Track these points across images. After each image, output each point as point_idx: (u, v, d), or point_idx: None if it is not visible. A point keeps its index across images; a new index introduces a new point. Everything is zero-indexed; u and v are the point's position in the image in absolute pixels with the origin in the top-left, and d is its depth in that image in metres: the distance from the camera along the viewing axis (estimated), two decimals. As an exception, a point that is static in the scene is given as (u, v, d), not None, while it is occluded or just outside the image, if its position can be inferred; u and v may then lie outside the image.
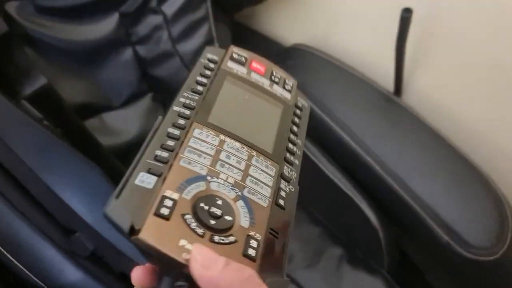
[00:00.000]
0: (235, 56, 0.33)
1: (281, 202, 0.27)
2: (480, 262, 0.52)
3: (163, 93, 0.66)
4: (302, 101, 0.34)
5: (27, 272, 0.43)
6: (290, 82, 0.34)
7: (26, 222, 0.42)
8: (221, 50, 0.34)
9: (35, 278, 0.43)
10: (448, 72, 0.62)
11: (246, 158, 0.27)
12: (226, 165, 0.27)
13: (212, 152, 0.27)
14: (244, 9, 0.75)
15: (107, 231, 0.42)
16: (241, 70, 0.33)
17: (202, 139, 0.27)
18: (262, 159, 0.28)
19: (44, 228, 0.43)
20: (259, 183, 0.27)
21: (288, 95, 0.33)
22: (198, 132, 0.28)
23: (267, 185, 0.27)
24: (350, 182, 0.58)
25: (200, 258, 0.21)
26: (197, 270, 0.21)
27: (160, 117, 0.28)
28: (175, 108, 0.29)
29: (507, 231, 0.53)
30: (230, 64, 0.33)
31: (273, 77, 0.33)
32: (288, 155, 0.30)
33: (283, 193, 0.27)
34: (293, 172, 0.29)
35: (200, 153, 0.26)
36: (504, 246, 0.52)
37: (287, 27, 0.76)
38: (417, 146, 0.58)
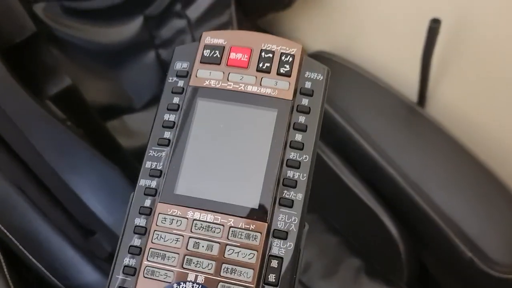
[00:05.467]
0: (206, 53, 0.26)
1: (272, 278, 0.22)
2: (503, 280, 0.50)
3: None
4: (311, 75, 0.25)
5: (45, 271, 0.43)
6: (290, 54, 0.25)
7: (46, 221, 0.43)
8: (193, 46, 0.26)
9: (52, 277, 0.43)
10: (475, 84, 0.61)
11: (219, 236, 0.23)
12: (195, 259, 0.23)
13: (178, 245, 0.23)
14: (268, 16, 0.75)
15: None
16: (215, 77, 0.26)
17: (166, 227, 0.23)
18: (243, 225, 0.23)
19: (64, 228, 0.43)
20: (237, 267, 0.22)
21: (285, 83, 0.25)
22: (162, 218, 0.24)
23: (249, 266, 0.22)
24: (371, 193, 0.57)
25: None
26: None
27: (132, 195, 0.25)
28: (141, 181, 0.25)
29: (532, 249, 0.51)
30: (201, 72, 0.26)
31: (261, 64, 0.25)
32: (285, 192, 0.23)
33: (275, 263, 0.22)
34: (293, 217, 0.23)
35: (164, 252, 0.23)
36: (529, 264, 0.50)
37: (310, 34, 0.75)
38: (440, 158, 0.57)
